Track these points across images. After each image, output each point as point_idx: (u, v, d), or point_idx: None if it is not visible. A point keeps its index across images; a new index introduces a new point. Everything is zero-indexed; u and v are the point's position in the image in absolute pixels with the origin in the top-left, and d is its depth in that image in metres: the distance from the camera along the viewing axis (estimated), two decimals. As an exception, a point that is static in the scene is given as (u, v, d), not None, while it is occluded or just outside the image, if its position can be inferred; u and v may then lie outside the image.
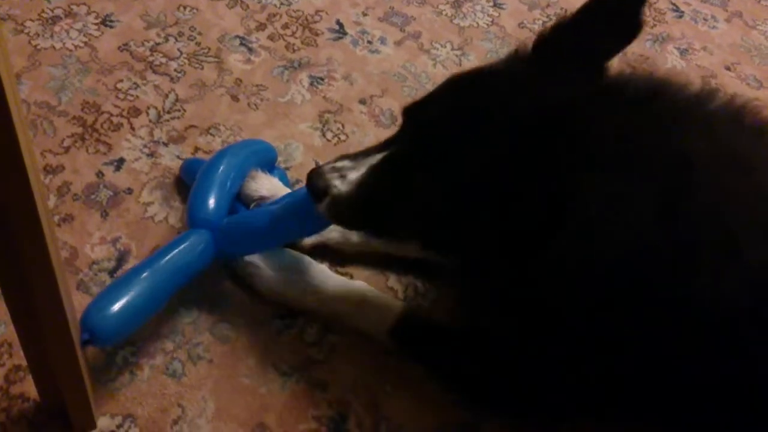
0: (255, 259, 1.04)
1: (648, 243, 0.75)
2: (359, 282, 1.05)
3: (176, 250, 0.97)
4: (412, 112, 0.91)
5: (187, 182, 1.17)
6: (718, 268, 0.76)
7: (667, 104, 0.83)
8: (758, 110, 0.86)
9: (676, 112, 0.82)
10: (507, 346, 0.94)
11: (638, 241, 0.74)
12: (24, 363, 0.91)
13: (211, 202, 1.04)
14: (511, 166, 0.79)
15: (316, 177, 0.91)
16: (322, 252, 1.11)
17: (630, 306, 0.78)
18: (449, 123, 0.85)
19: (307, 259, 1.06)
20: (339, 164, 0.91)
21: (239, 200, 1.11)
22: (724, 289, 0.75)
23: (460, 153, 0.82)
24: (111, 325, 0.87)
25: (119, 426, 0.92)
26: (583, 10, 0.86)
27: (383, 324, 1.01)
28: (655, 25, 1.73)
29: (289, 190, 1.13)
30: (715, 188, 0.77)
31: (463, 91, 0.88)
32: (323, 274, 1.05)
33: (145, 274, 0.93)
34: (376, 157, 0.90)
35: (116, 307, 0.88)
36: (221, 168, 1.08)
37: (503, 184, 0.79)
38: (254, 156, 1.15)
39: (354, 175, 0.89)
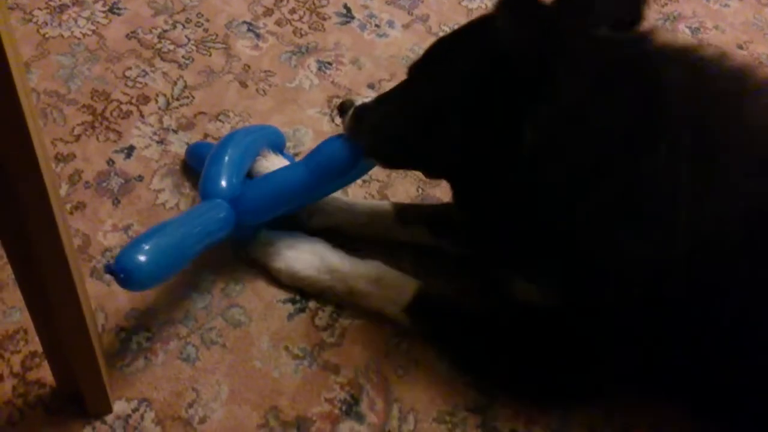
0: (270, 240, 1.05)
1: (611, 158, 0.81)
2: (374, 261, 1.06)
3: (203, 211, 1.00)
4: (413, 65, 1.01)
5: (192, 166, 1.18)
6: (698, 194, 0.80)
7: (647, 46, 0.86)
8: (747, 63, 0.90)
9: (657, 51, 0.87)
10: (520, 324, 0.96)
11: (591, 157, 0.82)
12: (40, 349, 0.92)
13: (224, 178, 1.04)
14: (481, 85, 0.87)
15: (345, 99, 1.07)
16: (330, 236, 1.11)
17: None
18: (438, 55, 0.97)
19: (321, 241, 1.07)
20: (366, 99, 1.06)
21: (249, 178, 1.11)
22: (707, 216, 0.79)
23: (439, 75, 0.94)
24: (144, 270, 0.88)
25: (135, 410, 0.93)
26: None
27: (399, 302, 1.02)
28: (666, 4, 1.71)
29: None
30: (689, 114, 0.82)
31: (450, 36, 1.00)
32: (338, 254, 1.06)
33: (175, 228, 0.95)
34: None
35: (150, 254, 0.89)
36: (232, 147, 1.08)
37: (476, 102, 0.88)
38: (264, 138, 1.16)
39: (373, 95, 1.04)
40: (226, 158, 1.06)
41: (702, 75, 0.87)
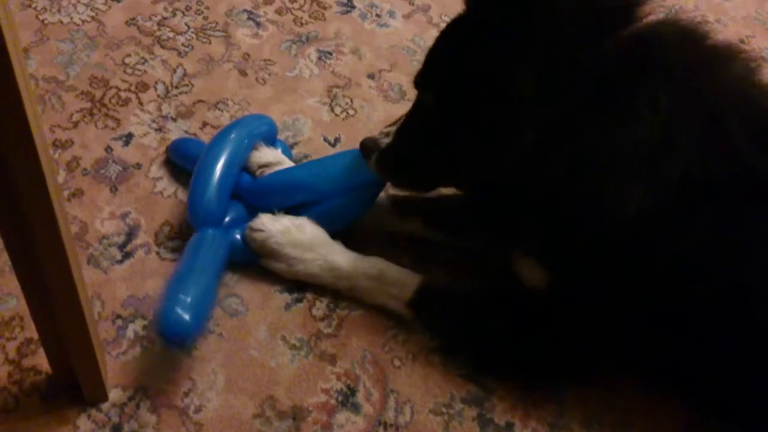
0: (273, 238, 1.03)
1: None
2: (375, 257, 1.05)
3: (205, 250, 1.00)
4: (416, 78, 1.01)
5: (175, 161, 1.18)
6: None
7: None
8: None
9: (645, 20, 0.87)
10: (520, 309, 0.97)
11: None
12: (36, 336, 0.92)
13: (213, 202, 1.04)
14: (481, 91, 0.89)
15: (367, 140, 1.04)
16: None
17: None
18: (431, 67, 0.98)
19: (324, 235, 1.06)
20: (386, 129, 1.04)
21: (244, 170, 1.12)
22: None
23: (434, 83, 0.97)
24: (192, 328, 0.90)
25: (131, 398, 0.93)
26: None
27: (401, 297, 1.02)
28: (667, -2, 1.71)
29: (292, 162, 1.14)
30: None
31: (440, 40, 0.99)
32: (340, 250, 1.05)
33: (196, 278, 0.95)
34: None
35: (190, 313, 0.90)
36: (217, 162, 1.06)
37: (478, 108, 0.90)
38: (250, 138, 1.13)
39: (394, 129, 1.02)
40: (213, 176, 1.05)
41: (689, 39, 0.88)
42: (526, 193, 0.89)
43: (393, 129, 1.03)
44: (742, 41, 1.62)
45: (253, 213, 1.06)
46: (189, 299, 0.90)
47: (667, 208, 0.81)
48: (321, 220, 1.05)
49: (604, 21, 0.86)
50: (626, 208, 0.81)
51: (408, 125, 1.01)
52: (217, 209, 1.04)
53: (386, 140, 1.02)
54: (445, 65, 0.95)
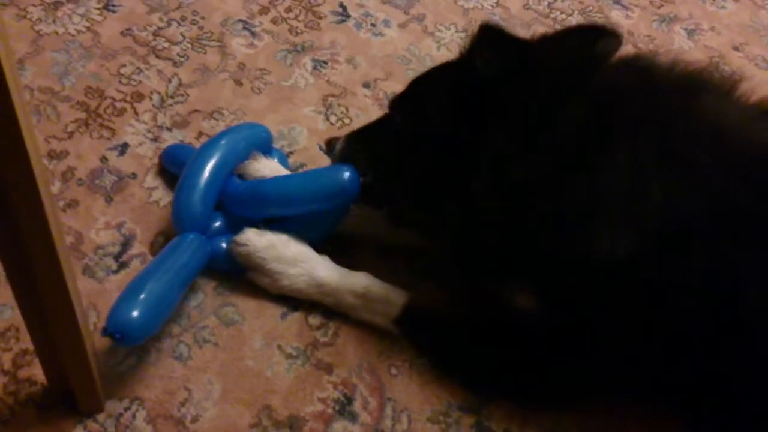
0: (258, 253, 1.03)
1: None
2: (362, 274, 1.04)
3: (175, 253, 0.99)
4: (393, 100, 1.12)
5: (167, 169, 1.18)
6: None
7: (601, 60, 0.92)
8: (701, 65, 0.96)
9: (610, 64, 0.92)
10: (509, 331, 0.95)
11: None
12: (31, 347, 0.91)
13: (197, 207, 1.04)
14: (445, 119, 0.97)
15: (332, 138, 1.14)
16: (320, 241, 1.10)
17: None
18: (413, 94, 1.08)
19: (309, 250, 1.05)
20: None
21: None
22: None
23: (415, 108, 1.04)
24: (137, 324, 0.90)
25: (126, 409, 0.92)
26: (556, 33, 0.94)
27: (388, 314, 1.01)
28: (662, 5, 1.71)
29: (289, 172, 1.14)
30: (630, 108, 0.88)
31: (427, 74, 1.09)
32: (326, 265, 1.04)
33: (155, 278, 0.95)
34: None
35: (138, 309, 0.90)
36: (204, 168, 1.07)
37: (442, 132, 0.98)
38: (243, 146, 1.13)
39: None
40: (199, 182, 1.05)
41: (654, 78, 0.92)
42: (506, 233, 0.92)
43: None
44: (736, 48, 1.63)
45: (235, 221, 1.07)
46: (142, 296, 0.91)
47: (653, 248, 0.83)
48: (294, 231, 1.05)
49: (574, 75, 0.89)
50: (615, 252, 0.83)
51: (376, 133, 1.09)
52: (201, 215, 1.04)
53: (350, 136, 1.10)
54: (427, 102, 1.02)
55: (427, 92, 1.04)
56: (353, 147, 1.10)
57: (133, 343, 0.93)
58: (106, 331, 0.87)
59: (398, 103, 1.09)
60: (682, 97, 0.89)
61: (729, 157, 0.85)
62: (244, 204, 1.08)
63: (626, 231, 0.83)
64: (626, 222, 0.83)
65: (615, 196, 0.84)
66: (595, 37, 0.90)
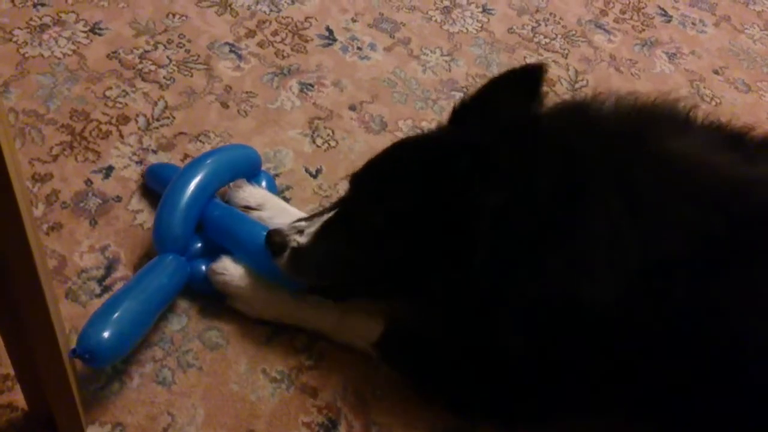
0: (235, 281, 1.02)
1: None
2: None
3: (152, 274, 0.99)
4: (356, 176, 1.00)
5: (151, 187, 1.18)
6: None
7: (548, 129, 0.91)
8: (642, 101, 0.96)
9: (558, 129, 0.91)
10: (485, 356, 0.94)
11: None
12: (12, 372, 0.90)
13: (178, 224, 1.03)
14: (426, 204, 0.90)
15: (275, 234, 0.98)
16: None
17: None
18: (378, 176, 0.97)
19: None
20: (297, 224, 0.99)
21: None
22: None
23: (386, 197, 0.94)
24: (107, 345, 0.89)
25: (108, 434, 0.91)
26: (489, 84, 0.95)
27: (368, 338, 1.01)
28: (643, 30, 1.74)
29: (276, 198, 1.13)
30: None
31: (391, 151, 0.99)
32: (303, 291, 1.03)
33: (129, 299, 0.94)
34: (329, 214, 0.98)
35: (109, 330, 0.89)
36: (187, 188, 1.06)
37: (423, 218, 0.91)
38: (227, 167, 1.13)
39: (311, 230, 0.98)
40: (180, 202, 1.04)
41: (602, 128, 0.92)
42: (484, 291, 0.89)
43: (305, 225, 0.98)
44: (716, 72, 1.65)
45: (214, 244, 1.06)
46: (115, 317, 0.90)
47: (637, 288, 0.84)
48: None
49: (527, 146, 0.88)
50: (601, 296, 0.84)
51: (335, 227, 0.97)
52: (181, 235, 1.03)
53: (300, 238, 0.97)
54: (405, 181, 0.94)
55: (399, 177, 0.95)
56: (300, 261, 0.98)
57: (103, 365, 0.93)
58: (74, 353, 0.86)
59: (361, 183, 0.99)
60: (634, 142, 0.90)
61: (700, 196, 0.86)
62: (217, 235, 1.07)
63: (608, 278, 0.84)
64: (607, 270, 0.84)
65: (595, 250, 0.85)
66: (526, 94, 0.91)
